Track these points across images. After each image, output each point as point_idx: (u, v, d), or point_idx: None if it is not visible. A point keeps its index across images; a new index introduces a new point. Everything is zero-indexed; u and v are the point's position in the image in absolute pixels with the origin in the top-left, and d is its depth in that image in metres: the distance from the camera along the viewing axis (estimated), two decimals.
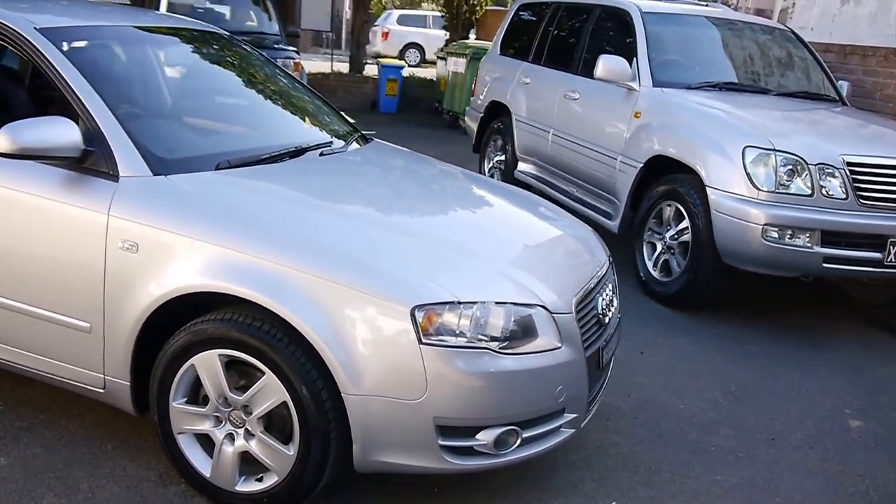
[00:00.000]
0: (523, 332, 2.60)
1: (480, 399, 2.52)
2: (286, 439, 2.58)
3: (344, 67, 15.61)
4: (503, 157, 7.62)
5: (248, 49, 4.10)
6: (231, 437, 2.65)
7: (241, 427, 2.64)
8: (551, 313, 2.66)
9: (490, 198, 3.65)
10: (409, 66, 20.99)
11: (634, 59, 5.76)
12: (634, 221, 5.50)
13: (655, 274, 5.26)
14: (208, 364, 2.61)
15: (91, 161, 2.74)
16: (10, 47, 3.00)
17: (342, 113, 4.05)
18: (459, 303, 2.49)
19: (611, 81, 5.80)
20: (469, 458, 2.59)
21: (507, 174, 7.37)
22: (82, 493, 2.72)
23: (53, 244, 2.75)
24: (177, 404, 2.68)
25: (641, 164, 5.41)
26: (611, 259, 3.34)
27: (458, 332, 2.49)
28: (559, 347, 2.66)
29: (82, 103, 2.80)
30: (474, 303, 2.52)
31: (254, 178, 2.98)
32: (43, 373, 2.91)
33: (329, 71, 14.74)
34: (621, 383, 3.81)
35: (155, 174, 2.75)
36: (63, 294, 2.76)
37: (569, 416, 2.78)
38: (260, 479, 2.65)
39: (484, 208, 3.56)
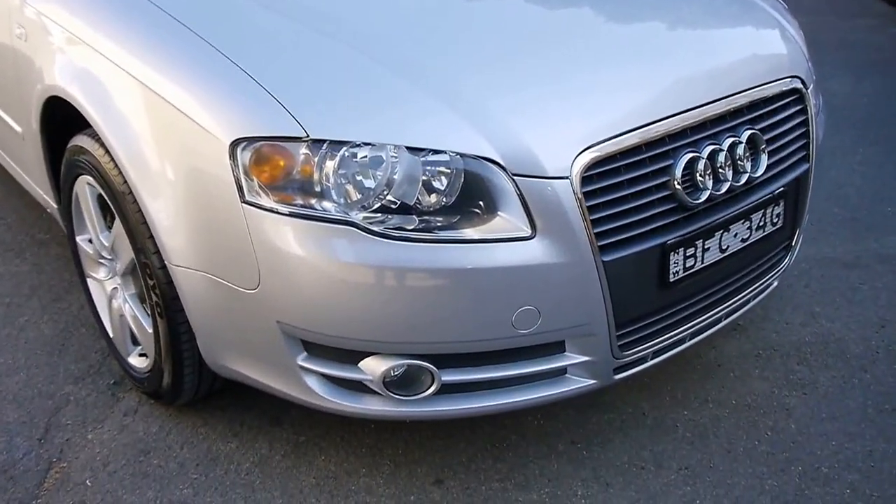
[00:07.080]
0: (459, 202, 1.46)
1: (348, 307, 1.47)
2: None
3: None
4: None
5: None
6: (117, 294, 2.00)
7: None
8: (511, 175, 1.45)
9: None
10: None
11: None
12: None
13: None
14: (83, 194, 1.94)
15: None
16: None
17: None
18: (314, 140, 1.43)
19: None
20: (353, 396, 1.59)
21: None
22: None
23: None
24: (80, 240, 2.09)
25: None
26: (805, 86, 1.86)
27: (319, 190, 1.45)
28: (529, 237, 1.47)
29: None
30: (347, 143, 1.44)
31: None
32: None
33: None
34: None
35: None
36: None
37: (575, 359, 1.60)
38: (144, 356, 1.98)
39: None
